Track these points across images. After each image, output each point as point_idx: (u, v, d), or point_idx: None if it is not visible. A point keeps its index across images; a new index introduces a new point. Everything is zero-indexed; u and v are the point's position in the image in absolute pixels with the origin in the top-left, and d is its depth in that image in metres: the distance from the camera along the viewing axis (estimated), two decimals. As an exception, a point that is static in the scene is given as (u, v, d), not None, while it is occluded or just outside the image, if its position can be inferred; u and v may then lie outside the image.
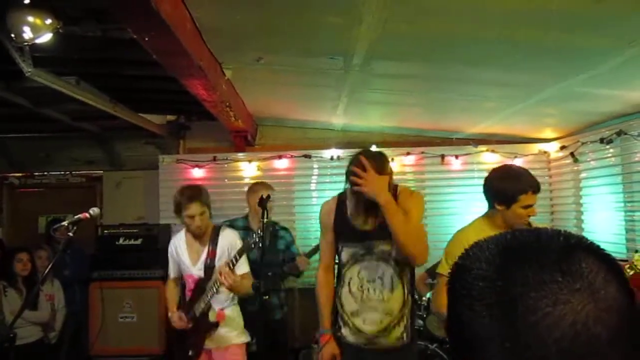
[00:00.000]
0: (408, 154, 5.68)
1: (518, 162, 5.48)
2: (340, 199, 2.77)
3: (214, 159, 5.78)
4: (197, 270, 3.36)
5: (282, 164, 5.76)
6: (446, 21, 2.66)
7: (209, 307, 3.30)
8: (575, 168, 5.08)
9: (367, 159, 2.49)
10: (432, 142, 5.87)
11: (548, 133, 5.46)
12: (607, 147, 4.50)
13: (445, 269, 2.63)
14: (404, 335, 2.64)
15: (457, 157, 5.66)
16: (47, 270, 3.08)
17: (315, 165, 5.75)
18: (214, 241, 3.36)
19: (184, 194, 3.30)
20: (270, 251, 4.20)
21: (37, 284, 4.32)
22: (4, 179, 7.01)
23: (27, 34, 2.76)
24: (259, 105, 5.33)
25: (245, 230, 4.12)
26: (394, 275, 2.63)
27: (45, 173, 6.99)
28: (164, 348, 5.09)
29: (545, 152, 5.60)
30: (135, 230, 5.44)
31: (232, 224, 4.12)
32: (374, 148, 5.63)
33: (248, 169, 5.77)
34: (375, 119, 5.57)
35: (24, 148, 6.85)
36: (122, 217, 5.91)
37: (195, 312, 3.32)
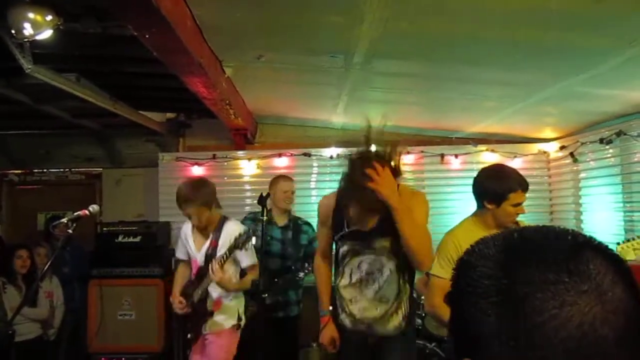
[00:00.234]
0: (408, 153, 5.67)
1: (518, 161, 5.49)
2: (340, 195, 2.76)
3: (214, 157, 5.78)
4: (200, 257, 3.44)
5: (281, 162, 5.76)
6: (447, 20, 2.66)
7: (205, 294, 3.38)
8: (575, 168, 5.08)
9: (379, 162, 2.46)
10: (432, 141, 5.87)
11: (548, 133, 5.47)
12: (607, 147, 4.50)
13: (437, 270, 2.66)
14: (402, 323, 2.70)
15: (456, 156, 5.67)
16: (46, 267, 3.08)
17: (315, 164, 5.76)
18: (217, 232, 3.42)
19: (179, 193, 3.35)
20: (293, 245, 4.28)
21: (36, 280, 4.32)
22: (4, 175, 7.00)
23: (28, 30, 2.76)
24: (259, 103, 5.32)
25: (268, 223, 4.22)
26: (392, 267, 2.68)
27: (45, 170, 6.98)
28: (162, 346, 5.09)
29: (544, 152, 5.60)
30: (134, 228, 5.43)
31: (255, 217, 4.27)
32: (373, 147, 5.64)
33: (248, 167, 5.78)
34: (376, 117, 5.56)
35: (23, 145, 6.84)
36: (122, 215, 5.90)
37: (194, 298, 3.41)
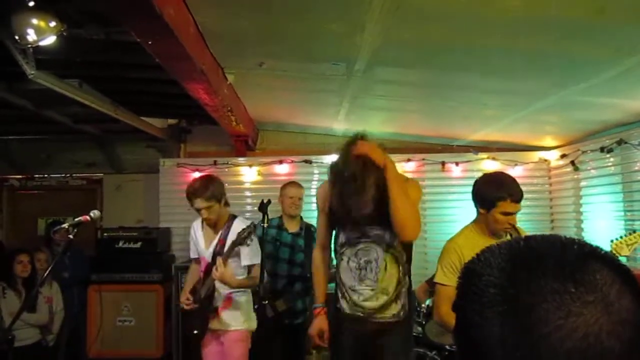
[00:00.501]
0: (409, 160, 5.69)
1: (518, 170, 5.49)
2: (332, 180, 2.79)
3: (215, 163, 5.78)
4: (208, 254, 3.47)
5: (282, 169, 5.77)
6: (447, 29, 2.67)
7: (212, 291, 3.41)
8: (576, 176, 5.08)
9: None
10: (433, 148, 5.88)
11: (548, 141, 5.47)
12: (608, 155, 4.50)
13: (441, 278, 2.73)
14: (401, 312, 2.73)
15: (457, 164, 5.67)
16: (47, 272, 3.07)
17: (316, 171, 5.75)
18: (226, 230, 3.45)
19: (190, 187, 3.39)
20: (305, 252, 4.32)
21: (36, 286, 4.31)
22: (5, 180, 7.01)
23: (31, 36, 2.77)
24: (260, 110, 5.33)
25: (278, 229, 4.36)
26: (389, 257, 2.70)
27: (46, 175, 6.99)
28: (162, 351, 5.08)
29: (545, 160, 5.60)
30: (134, 234, 5.44)
31: (277, 224, 4.36)
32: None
33: (248, 174, 5.78)
34: (377, 124, 5.58)
35: (25, 150, 6.85)
36: (122, 220, 5.90)
37: (201, 294, 3.44)
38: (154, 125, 5.79)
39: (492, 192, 2.64)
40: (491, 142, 5.59)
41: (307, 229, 4.47)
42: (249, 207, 5.68)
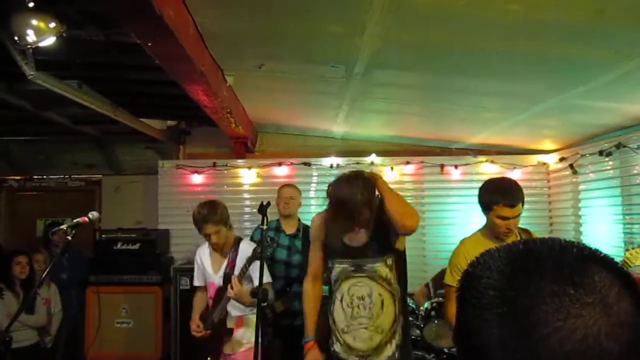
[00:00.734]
0: (407, 163, 5.69)
1: (517, 173, 5.50)
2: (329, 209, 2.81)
3: (214, 165, 5.78)
4: (218, 279, 3.47)
5: (281, 171, 5.77)
6: (447, 32, 2.68)
7: (225, 314, 3.41)
8: (575, 180, 5.08)
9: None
10: (432, 151, 5.88)
11: (547, 144, 5.48)
12: (606, 159, 4.51)
13: (449, 279, 2.77)
14: (396, 354, 2.68)
15: (456, 167, 5.67)
16: (45, 273, 3.07)
17: (315, 173, 5.76)
18: (234, 253, 3.46)
19: (198, 214, 3.38)
20: (302, 253, 4.33)
21: (34, 287, 4.30)
22: (3, 181, 7.00)
23: (31, 37, 2.77)
24: (259, 112, 5.34)
25: (276, 230, 4.38)
26: (384, 292, 2.68)
27: (45, 177, 6.98)
28: (160, 353, 5.07)
29: (544, 164, 5.61)
30: (133, 235, 5.43)
31: (275, 226, 4.38)
32: (373, 156, 5.66)
33: (247, 176, 5.78)
34: (376, 127, 5.58)
35: (24, 151, 6.85)
36: (121, 222, 5.90)
37: (214, 319, 3.44)
38: (153, 126, 5.79)
39: (487, 196, 2.71)
40: (490, 145, 5.59)
41: (305, 230, 4.48)
42: (247, 209, 5.68)
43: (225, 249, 3.49)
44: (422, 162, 5.72)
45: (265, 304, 3.02)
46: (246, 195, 5.79)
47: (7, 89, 4.27)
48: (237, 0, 2.58)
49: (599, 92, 3.34)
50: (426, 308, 4.12)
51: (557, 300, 0.60)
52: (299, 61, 3.48)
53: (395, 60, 3.22)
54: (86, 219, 2.84)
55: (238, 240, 3.55)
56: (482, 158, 5.66)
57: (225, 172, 5.79)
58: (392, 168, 5.68)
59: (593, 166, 4.77)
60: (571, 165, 5.04)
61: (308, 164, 5.75)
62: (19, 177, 7.02)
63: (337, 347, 2.76)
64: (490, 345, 0.63)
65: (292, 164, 5.77)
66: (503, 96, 3.87)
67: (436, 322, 3.96)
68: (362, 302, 2.68)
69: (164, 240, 5.61)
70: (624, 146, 4.26)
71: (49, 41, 2.86)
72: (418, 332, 4.05)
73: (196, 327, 3.45)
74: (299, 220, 4.57)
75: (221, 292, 3.41)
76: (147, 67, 3.56)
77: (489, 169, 5.59)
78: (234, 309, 3.40)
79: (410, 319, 3.61)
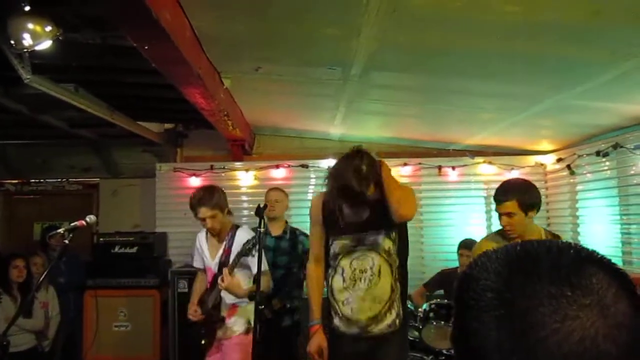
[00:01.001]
0: (405, 164, 5.69)
1: (515, 174, 5.50)
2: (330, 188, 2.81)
3: (211, 167, 5.78)
4: (214, 265, 3.49)
5: (279, 173, 5.77)
6: (444, 33, 2.68)
7: (219, 301, 3.43)
8: (572, 180, 5.09)
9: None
10: (429, 153, 5.88)
11: (545, 145, 5.48)
12: (604, 159, 4.51)
13: None
14: (396, 321, 2.71)
15: (454, 168, 5.67)
16: (42, 277, 3.06)
17: (313, 175, 5.75)
18: (230, 240, 3.47)
19: (194, 197, 3.40)
20: (289, 255, 4.38)
21: (32, 291, 4.29)
22: (0, 185, 6.99)
23: (27, 40, 2.76)
24: (256, 114, 5.33)
25: (264, 233, 4.33)
26: (383, 264, 2.70)
27: (42, 180, 6.97)
28: (158, 357, 5.05)
29: (541, 164, 5.61)
30: (131, 239, 5.42)
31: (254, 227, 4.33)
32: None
33: (245, 178, 5.77)
34: (373, 129, 5.59)
35: (21, 154, 6.84)
36: (118, 225, 5.89)
37: (208, 304, 3.46)
38: (150, 129, 5.78)
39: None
40: (487, 146, 5.60)
41: (292, 232, 4.51)
42: (245, 212, 5.67)
43: (222, 235, 3.49)
44: (419, 163, 5.71)
45: (263, 307, 3.02)
46: (244, 198, 5.79)
47: (4, 92, 4.26)
48: (234, 4, 2.58)
49: (596, 92, 3.34)
50: (425, 309, 4.12)
51: (555, 302, 0.60)
52: (295, 63, 3.48)
53: (392, 62, 3.22)
54: (84, 222, 2.83)
55: (235, 227, 3.54)
56: (479, 159, 5.66)
57: (223, 174, 5.78)
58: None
59: (590, 167, 4.78)
60: (568, 166, 5.05)
61: (305, 166, 5.74)
62: (16, 181, 7.01)
63: (337, 322, 2.77)
64: (487, 347, 0.63)
65: (289, 166, 5.77)
66: (500, 97, 3.87)
67: (434, 323, 3.96)
68: (364, 274, 2.70)
69: (161, 244, 5.60)
70: (621, 146, 4.26)
71: (45, 45, 2.85)
72: (416, 333, 4.04)
73: (193, 312, 3.47)
74: (286, 222, 4.60)
75: (216, 278, 3.43)
76: (143, 71, 3.55)
77: (487, 170, 5.59)
78: (227, 297, 3.40)
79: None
